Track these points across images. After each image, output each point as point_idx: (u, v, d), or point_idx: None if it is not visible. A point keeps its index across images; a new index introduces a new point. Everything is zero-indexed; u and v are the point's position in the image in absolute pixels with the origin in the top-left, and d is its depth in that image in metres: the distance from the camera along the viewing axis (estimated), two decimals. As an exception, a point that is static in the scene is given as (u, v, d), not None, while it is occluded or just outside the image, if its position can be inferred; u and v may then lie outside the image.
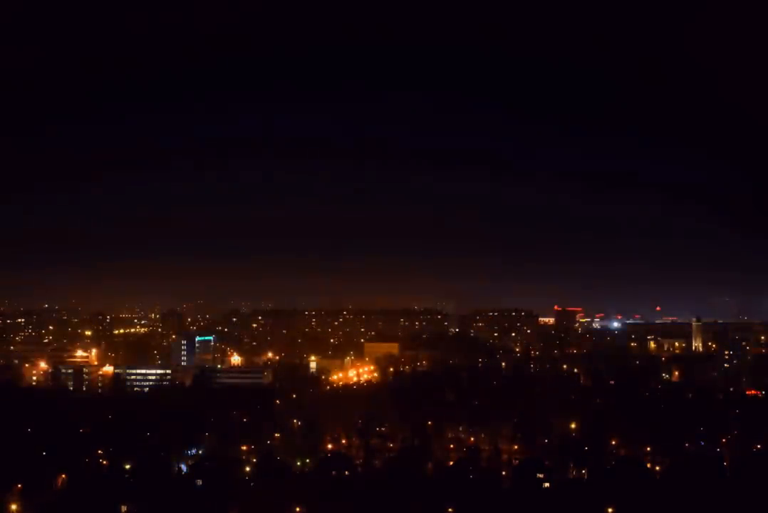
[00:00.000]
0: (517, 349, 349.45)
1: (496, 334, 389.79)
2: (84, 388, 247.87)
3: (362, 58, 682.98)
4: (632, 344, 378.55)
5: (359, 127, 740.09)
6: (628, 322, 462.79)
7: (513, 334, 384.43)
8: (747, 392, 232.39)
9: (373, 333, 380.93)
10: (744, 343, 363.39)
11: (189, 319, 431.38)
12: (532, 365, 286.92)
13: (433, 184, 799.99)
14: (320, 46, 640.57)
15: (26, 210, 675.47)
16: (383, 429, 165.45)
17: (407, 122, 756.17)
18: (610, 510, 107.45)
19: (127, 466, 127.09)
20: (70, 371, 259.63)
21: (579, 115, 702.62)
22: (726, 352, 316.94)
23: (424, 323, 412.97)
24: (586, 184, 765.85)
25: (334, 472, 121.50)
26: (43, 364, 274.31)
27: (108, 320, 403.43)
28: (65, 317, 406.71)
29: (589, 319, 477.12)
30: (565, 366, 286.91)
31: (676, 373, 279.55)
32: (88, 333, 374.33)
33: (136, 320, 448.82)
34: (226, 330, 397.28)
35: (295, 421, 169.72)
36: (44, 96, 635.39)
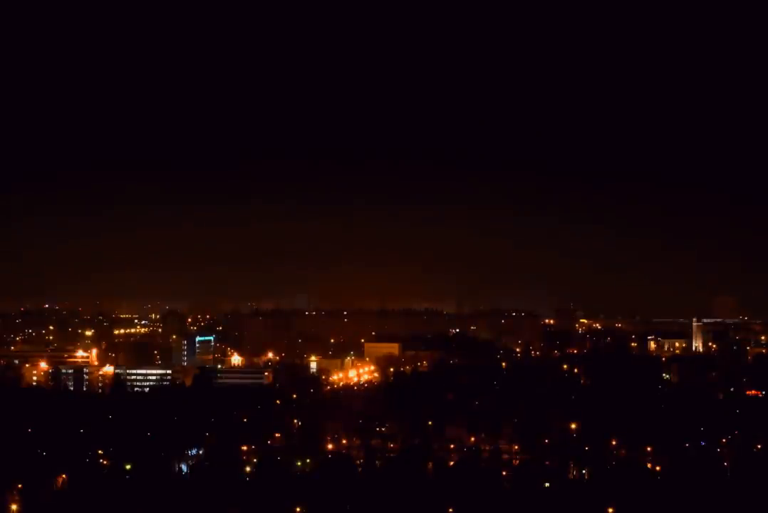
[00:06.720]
0: (517, 349, 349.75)
1: (496, 334, 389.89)
2: (84, 389, 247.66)
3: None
4: (632, 344, 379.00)
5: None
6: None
7: (513, 334, 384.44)
8: (747, 392, 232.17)
9: (373, 333, 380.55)
10: (744, 343, 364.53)
11: (189, 320, 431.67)
12: (532, 365, 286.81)
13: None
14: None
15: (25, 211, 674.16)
16: (383, 429, 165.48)
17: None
18: (610, 510, 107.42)
19: (127, 466, 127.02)
20: (70, 371, 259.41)
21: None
22: (726, 352, 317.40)
23: (424, 323, 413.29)
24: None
25: (334, 473, 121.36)
26: (43, 364, 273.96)
27: (108, 320, 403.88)
28: (65, 317, 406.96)
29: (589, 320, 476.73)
30: (565, 366, 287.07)
31: (676, 373, 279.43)
32: (88, 333, 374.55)
33: (136, 320, 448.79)
34: (226, 330, 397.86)
35: (295, 421, 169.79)
36: None
